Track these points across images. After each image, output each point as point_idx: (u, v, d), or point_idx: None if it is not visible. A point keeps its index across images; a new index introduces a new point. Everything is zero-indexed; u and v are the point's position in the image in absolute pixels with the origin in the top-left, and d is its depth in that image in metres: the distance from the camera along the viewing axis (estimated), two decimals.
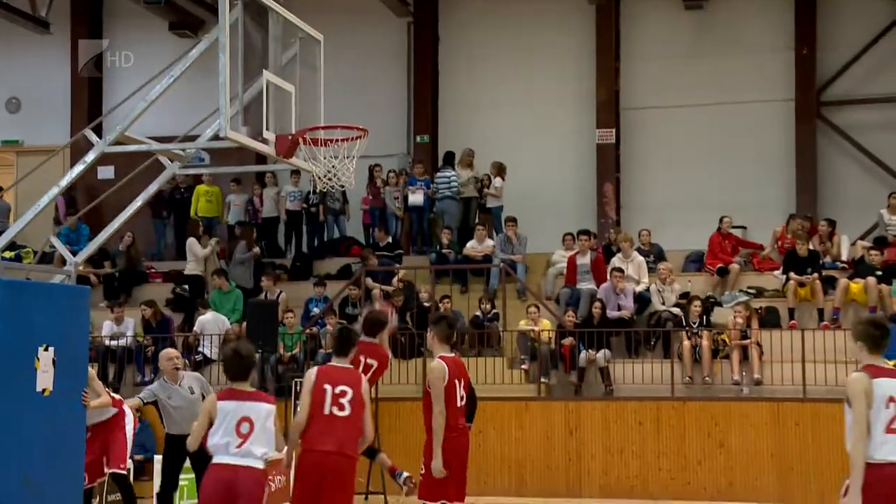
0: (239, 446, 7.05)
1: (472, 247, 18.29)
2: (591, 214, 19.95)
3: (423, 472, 8.10)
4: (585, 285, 17.00)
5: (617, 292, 16.29)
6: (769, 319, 16.06)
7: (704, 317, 15.83)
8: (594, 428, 14.96)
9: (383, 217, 19.64)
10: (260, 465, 7.13)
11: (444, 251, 18.36)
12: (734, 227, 18.10)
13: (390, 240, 19.05)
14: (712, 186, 19.46)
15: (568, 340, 15.86)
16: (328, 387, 7.61)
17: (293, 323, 16.76)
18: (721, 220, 17.60)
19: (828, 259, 17.13)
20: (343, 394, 7.56)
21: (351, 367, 7.99)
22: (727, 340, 15.39)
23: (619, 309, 16.20)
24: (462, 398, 8.23)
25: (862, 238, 17.94)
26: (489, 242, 18.28)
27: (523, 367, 15.92)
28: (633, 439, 14.84)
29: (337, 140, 10.95)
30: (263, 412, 7.15)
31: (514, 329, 16.31)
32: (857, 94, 19.40)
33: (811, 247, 16.75)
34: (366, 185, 19.68)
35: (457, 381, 8.20)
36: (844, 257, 17.20)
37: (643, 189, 20.16)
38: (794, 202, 19.10)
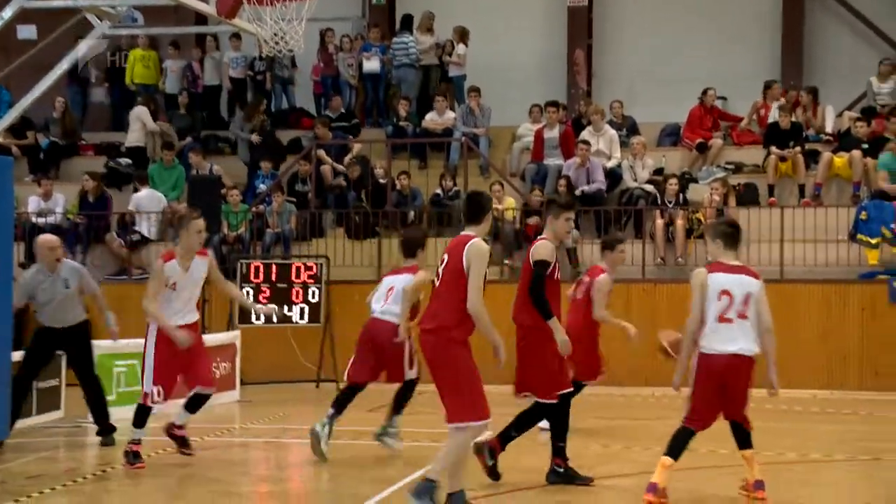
0: None
1: (431, 119, 17.84)
2: (560, 84, 19.50)
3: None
4: (553, 161, 16.66)
5: (586, 167, 15.98)
6: (747, 196, 15.84)
7: (679, 194, 15.59)
8: (560, 312, 14.81)
9: (336, 86, 19.09)
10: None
11: (401, 124, 17.89)
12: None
13: (343, 111, 18.54)
14: (690, 54, 19.04)
15: (533, 220, 15.60)
16: None
17: (238, 201, 16.36)
18: (705, 93, 17.19)
19: (811, 131, 16.86)
20: None
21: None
22: (702, 219, 15.18)
23: (588, 184, 15.92)
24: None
25: (849, 109, 17.64)
26: (450, 115, 17.83)
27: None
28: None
29: None
30: None
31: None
32: None
33: (794, 118, 16.46)
34: (317, 51, 19.09)
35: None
36: (829, 129, 16.93)
37: (616, 57, 19.71)
38: (778, 71, 18.72)
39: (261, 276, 14.49)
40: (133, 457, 8.69)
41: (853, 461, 9.17)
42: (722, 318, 7.24)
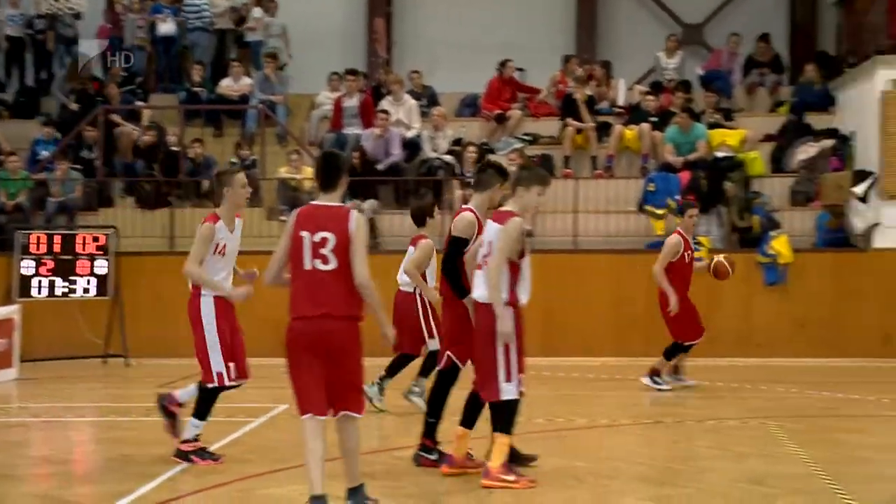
0: None
1: (227, 85, 17.48)
2: (359, 53, 19.48)
3: None
4: (353, 130, 16.61)
5: (384, 138, 16.02)
6: (544, 167, 16.23)
7: (478, 164, 15.80)
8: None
9: (125, 48, 18.41)
10: None
11: (195, 89, 17.44)
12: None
13: (125, 74, 17.86)
14: (490, 25, 19.32)
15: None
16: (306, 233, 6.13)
17: (17, 167, 15.62)
18: (504, 64, 17.46)
19: (604, 104, 17.40)
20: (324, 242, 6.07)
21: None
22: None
23: (387, 156, 15.97)
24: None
25: (638, 83, 18.32)
26: (246, 81, 17.51)
27: (283, 218, 15.50)
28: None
29: None
30: None
31: (274, 177, 15.82)
32: None
33: (588, 91, 16.95)
34: (103, 10, 18.37)
35: None
36: (621, 102, 17.51)
37: (416, 26, 19.79)
38: (573, 44, 19.23)
39: (43, 247, 13.90)
40: (206, 453, 7.76)
41: (637, 425, 9.58)
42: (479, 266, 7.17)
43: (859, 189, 14.43)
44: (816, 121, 16.26)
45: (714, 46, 18.84)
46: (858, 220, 14.41)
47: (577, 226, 14.94)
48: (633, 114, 16.77)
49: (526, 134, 16.97)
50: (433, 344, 9.51)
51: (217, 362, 7.68)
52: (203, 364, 7.70)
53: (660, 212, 14.98)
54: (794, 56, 18.61)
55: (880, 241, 14.37)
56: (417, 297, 9.70)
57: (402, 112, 16.79)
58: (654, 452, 8.42)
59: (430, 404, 7.75)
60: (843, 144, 15.44)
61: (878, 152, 14.38)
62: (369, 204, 15.43)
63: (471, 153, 15.77)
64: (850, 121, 15.64)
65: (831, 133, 15.78)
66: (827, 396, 11.25)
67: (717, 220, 15.30)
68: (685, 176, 15.24)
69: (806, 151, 15.59)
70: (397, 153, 16.05)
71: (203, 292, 7.68)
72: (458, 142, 16.63)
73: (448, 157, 16.14)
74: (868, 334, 14.14)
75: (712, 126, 16.10)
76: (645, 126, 16.11)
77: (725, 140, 15.91)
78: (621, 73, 18.20)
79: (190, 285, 7.82)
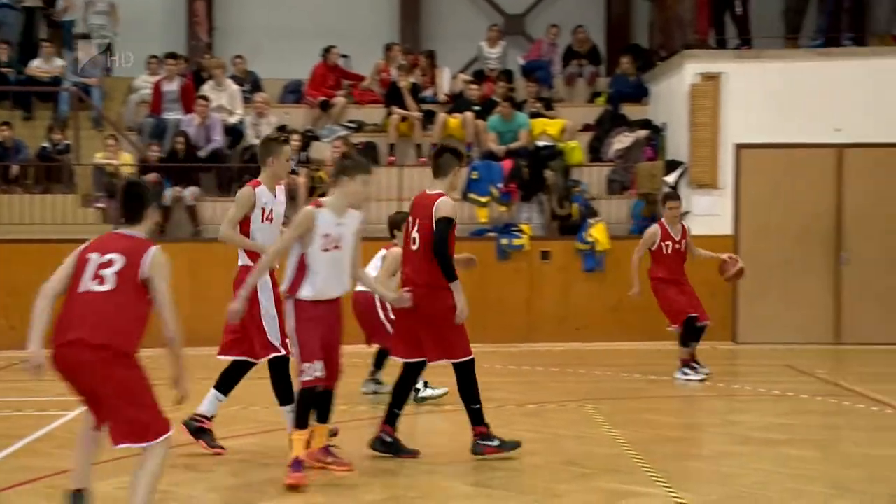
0: None
1: (37, 66, 16.82)
2: (180, 36, 19.06)
3: None
4: (172, 115, 16.25)
5: (206, 124, 15.75)
6: (369, 155, 16.26)
7: (302, 152, 15.75)
8: (180, 272, 14.56)
9: None
10: None
11: (1, 70, 16.73)
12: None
13: None
14: (313, 12, 19.22)
15: (152, 176, 15.18)
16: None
17: None
18: (328, 50, 17.39)
19: (429, 93, 17.57)
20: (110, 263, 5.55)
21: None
22: (324, 177, 15.44)
23: (209, 142, 15.72)
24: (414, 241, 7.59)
25: (462, 72, 18.57)
26: (58, 62, 16.92)
27: (99, 205, 15.05)
28: (225, 284, 14.62)
29: None
30: None
31: (90, 163, 15.35)
32: None
33: (413, 79, 17.08)
34: None
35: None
36: (445, 91, 17.72)
37: (238, 11, 19.53)
38: (396, 32, 19.32)
39: None
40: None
41: (459, 411, 9.72)
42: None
43: (670, 178, 15.02)
44: (632, 112, 16.83)
45: (535, 37, 19.26)
46: None
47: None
48: (457, 102, 16.98)
49: (350, 121, 16.98)
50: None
51: (276, 335, 7.51)
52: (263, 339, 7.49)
53: (483, 199, 15.23)
54: (610, 48, 19.20)
55: (691, 227, 14.96)
56: (376, 296, 9.63)
57: (224, 98, 16.54)
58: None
59: (395, 395, 7.77)
60: (656, 135, 16.03)
61: (687, 143, 14.98)
62: (191, 191, 15.16)
63: (294, 140, 15.66)
64: (663, 112, 16.25)
65: (645, 124, 16.36)
66: (639, 379, 11.68)
67: (538, 208, 15.67)
68: (507, 164, 15.54)
69: (622, 141, 16.12)
70: (219, 139, 15.81)
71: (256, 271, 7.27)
72: (282, 128, 16.48)
73: None
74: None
75: (534, 115, 16.47)
76: (468, 115, 16.34)
77: (546, 129, 16.30)
78: (445, 62, 18.38)
79: (239, 262, 7.68)
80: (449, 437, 8.61)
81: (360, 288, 9.54)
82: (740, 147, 14.76)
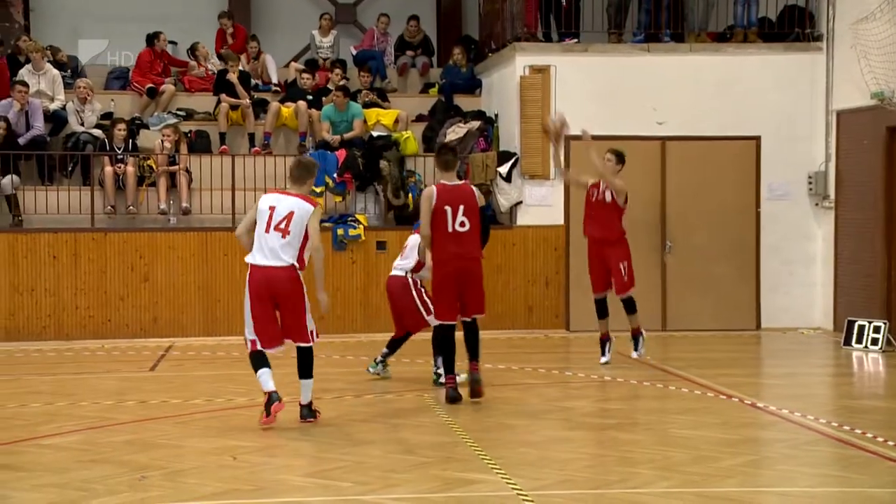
0: None
1: None
2: None
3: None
4: None
5: (25, 110, 15.19)
6: (199, 144, 16.02)
7: (130, 140, 15.38)
8: (0, 263, 14.10)
9: None
10: None
11: None
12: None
13: None
14: None
15: None
16: None
17: None
18: (157, 36, 17.01)
19: (260, 81, 17.41)
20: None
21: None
22: (154, 166, 15.13)
23: (29, 129, 15.17)
24: (462, 224, 9.51)
25: (294, 60, 18.45)
26: None
27: None
28: (47, 275, 14.23)
29: None
30: None
31: None
32: None
33: (242, 67, 16.88)
34: None
35: (448, 209, 9.46)
36: (274, 80, 17.59)
37: None
38: (227, 20, 18.99)
39: None
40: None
41: (295, 402, 9.75)
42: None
43: (503, 169, 15.31)
44: (464, 103, 17.07)
45: (367, 26, 19.29)
46: (503, 198, 15.29)
47: (235, 203, 14.87)
48: (290, 91, 16.88)
49: (180, 109, 16.66)
50: (432, 320, 10.08)
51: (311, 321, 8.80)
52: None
53: (318, 189, 15.17)
54: (442, 39, 19.42)
55: (522, 218, 15.33)
56: (409, 279, 10.56)
57: (43, 83, 15.99)
58: (312, 428, 8.61)
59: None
60: (488, 126, 16.29)
61: (518, 135, 15.30)
62: (10, 179, 14.62)
63: (120, 129, 15.29)
64: (495, 103, 16.54)
65: (478, 115, 16.60)
66: None
67: (374, 198, 15.74)
68: (342, 154, 15.55)
69: (455, 132, 16.32)
70: (40, 126, 15.28)
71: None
72: (107, 116, 16.07)
73: (97, 132, 15.56)
74: (514, 306, 15.09)
75: (367, 105, 16.52)
76: (301, 104, 16.25)
77: (380, 119, 16.39)
78: (277, 51, 18.27)
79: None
80: (281, 430, 8.59)
81: (395, 272, 10.70)
82: (569, 139, 15.12)
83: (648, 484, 6.75)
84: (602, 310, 11.86)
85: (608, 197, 11.64)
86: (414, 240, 10.61)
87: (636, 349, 11.88)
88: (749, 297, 15.25)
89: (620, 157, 11.76)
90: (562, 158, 12.44)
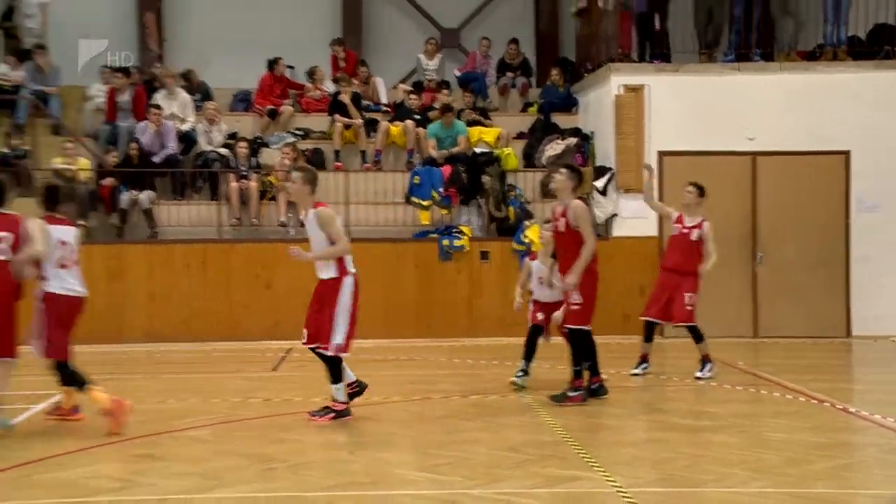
0: None
1: (1, 73, 16.68)
2: (131, 46, 18.90)
3: None
4: (126, 122, 16.16)
5: (159, 131, 15.68)
6: (315, 161, 16.29)
7: (252, 158, 15.76)
8: (138, 272, 14.54)
9: None
10: None
11: None
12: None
13: None
14: (260, 23, 19.22)
15: (108, 180, 15.09)
16: None
17: None
18: (276, 62, 17.41)
19: (371, 102, 17.65)
20: None
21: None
22: (274, 182, 15.47)
23: (162, 148, 15.65)
24: None
25: (402, 82, 18.67)
26: (18, 72, 16.71)
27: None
28: (180, 283, 14.63)
29: None
30: None
31: (48, 167, 15.20)
32: None
33: (354, 89, 17.13)
34: None
35: None
36: (384, 101, 17.82)
37: (189, 23, 19.46)
38: (339, 45, 19.32)
39: None
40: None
41: (408, 402, 9.87)
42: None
43: (599, 183, 15.27)
44: (562, 121, 17.06)
45: (469, 50, 19.41)
46: (599, 211, 15.24)
47: (348, 216, 15.12)
48: (398, 111, 17.09)
49: (298, 129, 17.00)
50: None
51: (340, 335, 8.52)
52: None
53: (425, 203, 15.36)
54: (540, 61, 19.44)
55: (618, 230, 15.26)
56: None
57: (175, 106, 16.48)
58: (424, 426, 8.70)
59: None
60: (585, 143, 16.26)
61: (614, 150, 15.24)
62: (147, 195, 15.09)
63: (243, 147, 15.68)
64: (591, 121, 16.50)
65: (575, 132, 16.60)
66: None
67: (477, 211, 15.83)
68: (447, 170, 15.69)
69: (553, 148, 16.33)
70: (172, 146, 15.75)
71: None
72: (232, 136, 16.48)
73: (223, 150, 15.98)
74: (611, 314, 14.98)
75: (470, 124, 16.63)
76: (409, 123, 16.45)
77: (482, 137, 16.49)
78: (386, 74, 18.50)
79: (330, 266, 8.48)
80: (396, 426, 8.71)
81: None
82: (663, 154, 15.06)
83: (743, 484, 6.67)
84: (649, 334, 11.44)
85: (694, 236, 11.19)
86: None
87: (701, 371, 11.23)
88: (839, 305, 14.94)
89: (701, 191, 11.33)
90: (654, 193, 12.12)
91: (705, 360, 11.25)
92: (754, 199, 15.01)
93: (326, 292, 8.51)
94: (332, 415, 8.59)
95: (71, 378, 8.27)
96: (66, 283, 8.27)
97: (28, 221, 8.26)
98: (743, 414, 9.56)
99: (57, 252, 8.24)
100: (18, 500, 6.33)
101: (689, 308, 11.10)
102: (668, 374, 11.73)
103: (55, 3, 17.85)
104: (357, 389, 8.91)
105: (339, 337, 8.42)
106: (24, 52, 17.23)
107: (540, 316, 10.33)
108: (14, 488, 6.63)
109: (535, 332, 10.41)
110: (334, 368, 8.60)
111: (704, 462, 7.32)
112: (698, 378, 11.13)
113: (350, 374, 8.84)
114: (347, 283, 8.47)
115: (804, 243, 14.92)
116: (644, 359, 11.42)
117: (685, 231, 11.19)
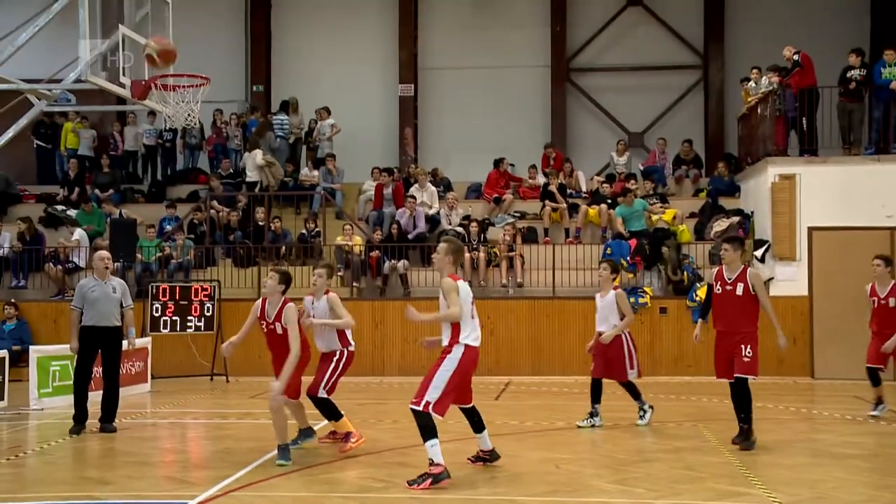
0: None
1: (304, 175, 17.83)
2: (394, 153, 19.78)
3: None
4: (389, 209, 16.85)
5: (412, 215, 16.25)
6: (529, 236, 16.44)
7: (481, 234, 16.02)
8: (395, 322, 14.99)
9: (226, 152, 18.77)
10: None
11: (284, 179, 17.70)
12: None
13: (231, 171, 18.24)
14: (488, 132, 19.65)
15: (375, 253, 15.73)
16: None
17: (151, 237, 15.90)
18: (501, 161, 17.77)
19: (573, 191, 17.63)
20: None
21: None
22: (498, 252, 15.65)
23: (415, 228, 16.19)
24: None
25: (598, 174, 18.56)
26: (316, 173, 17.84)
27: (339, 273, 15.67)
28: (426, 330, 14.93)
29: (184, 86, 10.42)
30: None
31: (333, 244, 16.02)
32: (597, 63, 19.91)
33: (560, 181, 17.19)
34: (210, 125, 18.77)
35: None
36: (583, 189, 17.76)
37: (435, 133, 20.13)
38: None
39: (167, 295, 14.08)
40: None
41: (601, 427, 9.62)
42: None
43: (758, 253, 14.56)
44: (727, 203, 16.41)
45: (651, 148, 19.09)
46: None
47: (555, 279, 15.08)
48: (595, 197, 16.98)
49: (516, 211, 17.17)
50: (632, 374, 9.47)
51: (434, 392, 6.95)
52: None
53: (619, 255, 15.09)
54: (709, 156, 18.85)
55: (773, 290, 14.44)
56: (624, 336, 9.51)
57: (425, 195, 17.03)
58: (614, 447, 8.48)
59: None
60: (746, 220, 15.58)
61: (770, 227, 14.52)
62: (402, 263, 15.60)
63: (474, 227, 16.00)
64: (751, 203, 15.79)
65: (738, 212, 15.94)
66: None
67: (657, 275, 15.42)
68: (633, 243, 15.40)
69: (720, 225, 15.73)
70: (422, 226, 16.26)
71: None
72: (466, 217, 16.84)
73: (459, 229, 16.34)
74: (767, 360, 14.09)
75: (652, 206, 16.30)
76: (603, 206, 16.30)
77: (662, 217, 16.10)
78: (585, 168, 18.45)
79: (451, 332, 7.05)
80: (591, 447, 8.52)
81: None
82: (812, 229, 14.21)
83: None
84: (875, 379, 10.22)
85: (892, 303, 10.15)
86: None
87: (874, 409, 10.23)
88: None
89: (888, 262, 10.24)
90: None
91: (880, 402, 10.27)
92: (893, 269, 13.83)
93: (441, 356, 7.07)
94: (430, 480, 6.70)
95: (331, 412, 8.07)
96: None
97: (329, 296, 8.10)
98: (888, 445, 8.77)
99: None
100: (306, 492, 6.60)
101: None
102: (818, 408, 10.92)
103: (341, 124, 18.91)
104: (488, 457, 7.47)
105: (432, 394, 6.83)
106: (320, 160, 18.34)
107: None
108: (303, 484, 6.93)
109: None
110: (423, 426, 6.83)
111: (853, 484, 6.77)
112: (877, 413, 10.18)
113: (487, 442, 7.41)
114: (457, 351, 6.99)
115: None
116: (880, 400, 10.29)
117: (882, 302, 10.21)
